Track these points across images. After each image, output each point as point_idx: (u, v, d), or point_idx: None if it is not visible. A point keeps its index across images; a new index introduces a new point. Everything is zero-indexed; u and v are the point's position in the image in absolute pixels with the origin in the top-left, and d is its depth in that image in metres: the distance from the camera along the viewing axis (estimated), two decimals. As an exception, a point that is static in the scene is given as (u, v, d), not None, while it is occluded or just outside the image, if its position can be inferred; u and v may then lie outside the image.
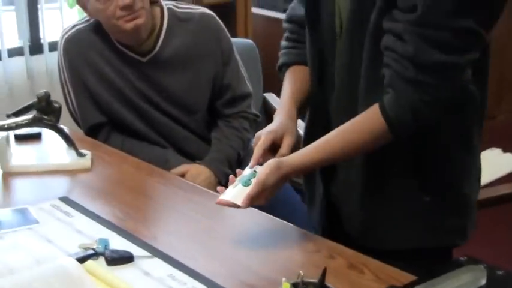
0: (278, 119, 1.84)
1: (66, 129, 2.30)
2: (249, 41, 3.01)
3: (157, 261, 1.68)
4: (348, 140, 1.68)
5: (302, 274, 1.37)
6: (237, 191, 1.71)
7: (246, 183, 1.71)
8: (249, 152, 2.58)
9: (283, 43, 2.03)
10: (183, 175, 2.41)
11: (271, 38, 3.39)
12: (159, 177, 2.17)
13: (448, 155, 1.78)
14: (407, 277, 1.59)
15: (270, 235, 1.82)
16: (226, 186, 2.45)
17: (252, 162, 1.76)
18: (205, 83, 2.54)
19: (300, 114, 1.92)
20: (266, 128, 1.82)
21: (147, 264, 1.67)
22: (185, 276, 1.62)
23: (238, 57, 2.61)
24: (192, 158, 2.55)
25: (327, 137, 1.70)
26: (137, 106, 2.50)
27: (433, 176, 1.78)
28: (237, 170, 1.79)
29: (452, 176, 1.80)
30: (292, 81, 1.95)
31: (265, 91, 3.04)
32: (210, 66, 2.54)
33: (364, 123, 1.67)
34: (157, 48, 2.47)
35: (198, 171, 2.47)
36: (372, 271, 1.64)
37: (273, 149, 1.80)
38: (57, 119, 2.18)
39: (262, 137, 1.79)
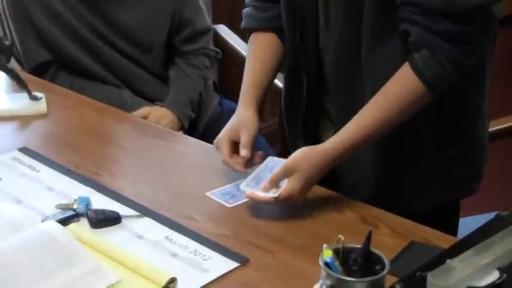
0: (235, 115, 1.69)
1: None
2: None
3: (149, 222, 1.51)
4: (385, 112, 1.52)
5: (342, 239, 1.20)
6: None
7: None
8: (210, 93, 2.43)
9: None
10: (143, 118, 2.19)
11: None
12: (127, 122, 1.98)
13: (464, 99, 1.66)
14: (427, 231, 1.51)
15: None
16: (190, 131, 2.30)
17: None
18: (163, 18, 2.34)
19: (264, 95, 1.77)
20: (222, 131, 1.67)
21: (138, 226, 1.50)
22: (184, 238, 1.46)
23: (197, -13, 2.41)
24: (148, 99, 2.36)
25: (360, 114, 1.54)
26: (89, 43, 2.28)
27: (450, 125, 1.66)
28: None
29: (468, 119, 1.69)
30: (255, 61, 1.77)
31: (214, 23, 2.83)
32: (168, -1, 2.33)
33: (399, 91, 1.52)
34: (111, -20, 2.24)
35: (160, 114, 2.28)
36: (388, 225, 1.52)
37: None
38: (8, 59, 1.93)
39: (220, 146, 1.64)
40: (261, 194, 1.51)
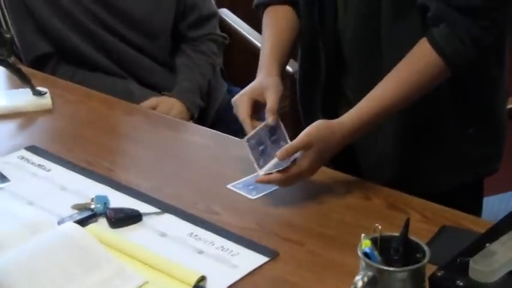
0: (256, 79, 1.67)
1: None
2: None
3: (171, 218, 1.50)
4: (403, 88, 1.53)
5: (380, 228, 1.19)
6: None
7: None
8: (218, 81, 2.41)
9: None
10: (152, 110, 2.18)
11: None
12: (137, 114, 1.97)
13: (485, 77, 1.67)
14: (457, 214, 1.50)
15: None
16: (200, 120, 2.28)
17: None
18: (168, 3, 2.33)
19: (285, 67, 1.76)
20: (242, 90, 1.64)
21: (160, 223, 1.48)
22: (209, 234, 1.45)
23: (200, -31, 2.39)
24: (155, 89, 2.34)
25: (377, 90, 1.54)
26: (92, 32, 2.27)
27: (472, 103, 1.67)
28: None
29: (489, 97, 1.70)
30: (273, 31, 1.75)
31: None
32: (172, -18, 2.31)
33: (417, 65, 1.53)
34: (112, -36, 2.23)
35: (169, 104, 2.26)
36: (418, 211, 1.51)
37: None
38: (10, 53, 1.91)
39: (240, 104, 1.61)
40: (272, 176, 1.50)
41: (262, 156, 1.56)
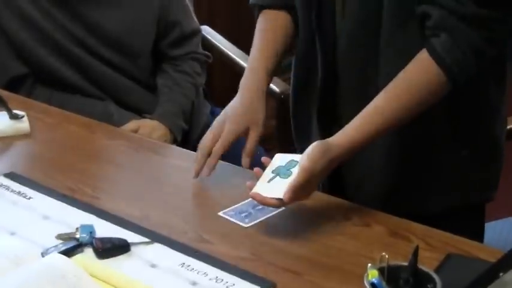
0: (242, 98, 1.67)
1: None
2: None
3: (161, 248, 1.47)
4: (402, 102, 1.51)
5: (387, 257, 1.17)
6: (275, 185, 1.50)
7: (286, 175, 1.50)
8: (201, 102, 2.39)
9: None
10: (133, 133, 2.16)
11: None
12: (119, 138, 1.94)
13: (484, 96, 1.66)
14: (462, 242, 1.48)
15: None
16: (183, 143, 2.25)
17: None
18: (149, 21, 2.31)
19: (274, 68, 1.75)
20: (220, 117, 1.68)
21: (149, 253, 1.45)
22: (202, 264, 1.41)
23: (182, -15, 2.38)
24: (136, 111, 2.32)
25: (375, 104, 1.52)
26: (68, 52, 2.25)
27: (468, 124, 1.66)
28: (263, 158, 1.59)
29: (486, 119, 1.69)
30: (265, 31, 1.76)
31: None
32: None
33: (416, 79, 1.51)
34: (89, -19, 2.21)
35: (151, 127, 2.25)
36: (420, 238, 1.49)
37: None
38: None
39: (219, 145, 1.64)
40: (268, 197, 1.48)
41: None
